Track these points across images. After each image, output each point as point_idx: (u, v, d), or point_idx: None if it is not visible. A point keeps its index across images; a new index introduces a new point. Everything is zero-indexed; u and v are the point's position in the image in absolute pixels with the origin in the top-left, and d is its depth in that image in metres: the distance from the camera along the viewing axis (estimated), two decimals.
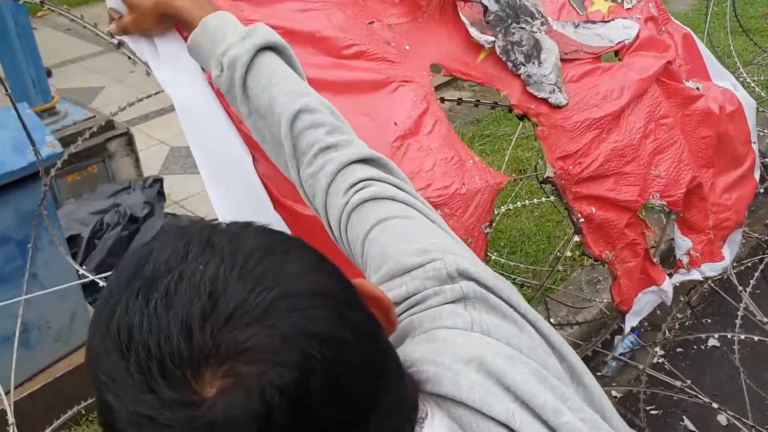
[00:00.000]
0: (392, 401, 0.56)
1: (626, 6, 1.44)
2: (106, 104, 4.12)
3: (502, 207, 2.87)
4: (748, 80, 3.21)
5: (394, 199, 0.82)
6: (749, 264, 2.57)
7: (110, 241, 2.85)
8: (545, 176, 1.29)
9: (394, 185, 0.84)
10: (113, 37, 1.14)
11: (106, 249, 2.85)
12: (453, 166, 1.16)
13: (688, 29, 1.56)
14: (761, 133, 2.61)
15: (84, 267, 2.72)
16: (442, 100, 1.29)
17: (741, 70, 3.32)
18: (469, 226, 1.15)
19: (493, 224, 2.44)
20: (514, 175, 3.54)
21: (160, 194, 3.20)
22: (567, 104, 1.28)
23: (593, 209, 1.30)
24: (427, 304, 0.68)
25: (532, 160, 3.63)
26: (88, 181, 3.15)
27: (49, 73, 4.78)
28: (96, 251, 2.83)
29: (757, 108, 3.09)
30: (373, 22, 1.21)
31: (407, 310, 0.70)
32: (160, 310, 0.49)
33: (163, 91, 1.13)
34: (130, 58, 1.15)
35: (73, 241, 2.84)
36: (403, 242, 0.75)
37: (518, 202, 2.83)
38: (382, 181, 0.84)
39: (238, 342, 0.48)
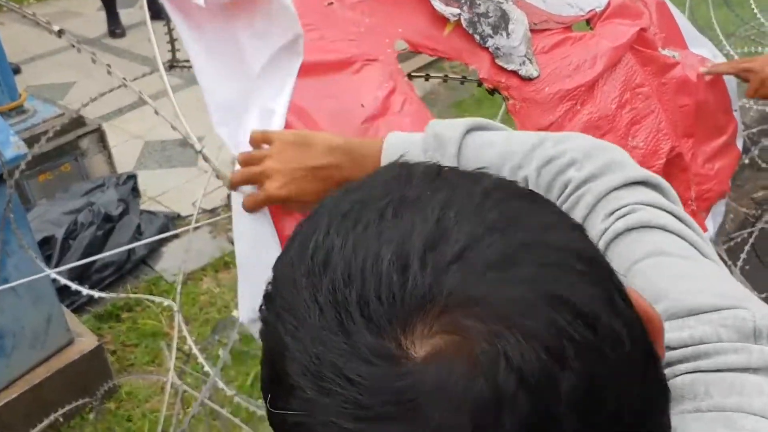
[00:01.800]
0: None
1: None
2: (78, 100, 4.02)
3: None
4: (732, 53, 3.17)
5: (665, 229, 0.64)
6: (738, 239, 2.54)
7: (85, 241, 2.80)
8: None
9: (667, 211, 0.67)
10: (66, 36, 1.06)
11: (81, 249, 2.79)
12: None
13: None
14: (747, 106, 2.57)
15: (58, 269, 2.66)
16: (410, 76, 1.24)
17: (723, 42, 3.27)
18: None
19: None
20: None
21: (135, 191, 3.15)
22: (538, 76, 1.23)
23: None
24: (720, 362, 0.49)
25: None
26: (60, 180, 3.08)
27: (17, 70, 4.68)
28: (71, 252, 2.78)
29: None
30: (332, 2, 1.16)
31: (685, 361, 0.51)
32: (371, 231, 0.39)
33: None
34: (94, 61, 1.09)
35: (47, 242, 2.78)
36: (684, 281, 0.58)
37: None
38: (652, 206, 0.67)
39: (468, 288, 0.36)
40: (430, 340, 0.35)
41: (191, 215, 3.40)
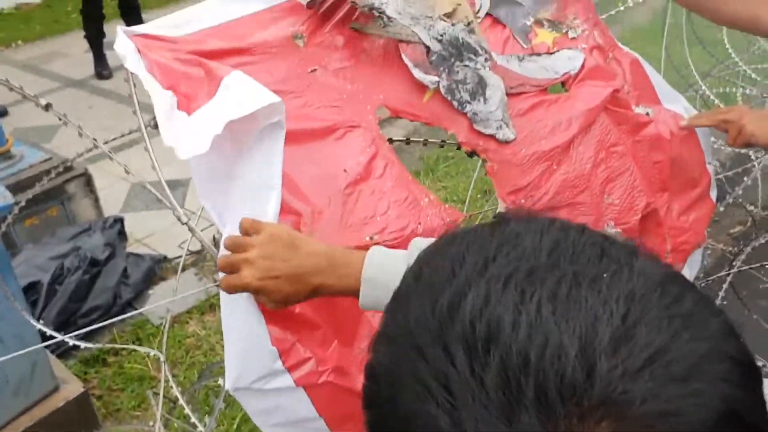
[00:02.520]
0: None
1: (571, 35, 1.43)
2: (65, 143, 4.06)
3: None
4: (707, 92, 3.23)
5: None
6: (716, 278, 2.58)
7: (71, 286, 2.80)
8: (497, 212, 1.27)
9: None
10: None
11: (67, 294, 2.79)
12: (407, 206, 1.15)
13: (636, 55, 1.56)
14: (720, 147, 2.63)
15: (43, 318, 2.66)
16: (391, 141, 1.28)
17: (700, 82, 3.35)
18: None
19: None
20: (479, 196, 3.54)
21: (122, 234, 3.16)
22: (515, 139, 1.27)
23: None
24: None
25: None
26: (46, 224, 3.08)
27: (3, 112, 4.70)
28: (56, 298, 2.78)
29: None
30: (315, 69, 1.19)
31: None
32: (546, 313, 0.36)
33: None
34: (65, 124, 1.11)
35: (32, 288, 2.78)
36: None
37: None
38: None
39: (657, 401, 0.35)
40: None
41: (178, 257, 3.41)
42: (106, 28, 5.36)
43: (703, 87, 3.33)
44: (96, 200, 3.25)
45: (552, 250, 0.40)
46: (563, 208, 1.28)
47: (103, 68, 5.39)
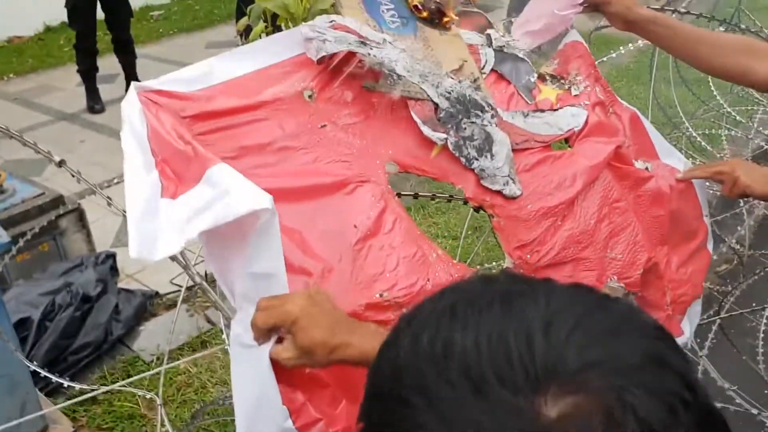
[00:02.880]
0: None
1: (574, 93, 1.47)
2: (56, 176, 4.04)
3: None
4: (694, 134, 3.30)
5: None
6: (705, 317, 2.60)
7: (62, 323, 2.78)
8: (504, 267, 1.28)
9: None
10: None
11: (58, 331, 2.77)
12: (417, 262, 1.16)
13: (635, 109, 1.60)
14: (710, 191, 2.67)
15: (33, 355, 2.62)
16: (399, 195, 1.29)
17: (686, 123, 3.41)
18: None
19: None
20: (470, 233, 3.56)
21: (114, 269, 3.14)
22: (521, 195, 1.29)
23: None
24: None
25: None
26: (38, 259, 3.06)
27: None
28: (47, 334, 2.75)
29: (701, 161, 3.18)
30: (325, 125, 1.21)
31: None
32: (486, 317, 0.45)
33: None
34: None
35: (23, 324, 2.75)
36: None
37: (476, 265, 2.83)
38: None
39: (588, 354, 0.43)
40: (562, 400, 0.41)
41: (169, 293, 3.39)
42: (100, 62, 5.38)
43: (690, 128, 3.40)
44: (88, 234, 3.24)
45: (476, 284, 0.50)
46: (568, 263, 1.30)
47: (95, 102, 5.40)
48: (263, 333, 0.95)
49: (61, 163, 1.10)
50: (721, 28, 2.45)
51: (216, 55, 1.24)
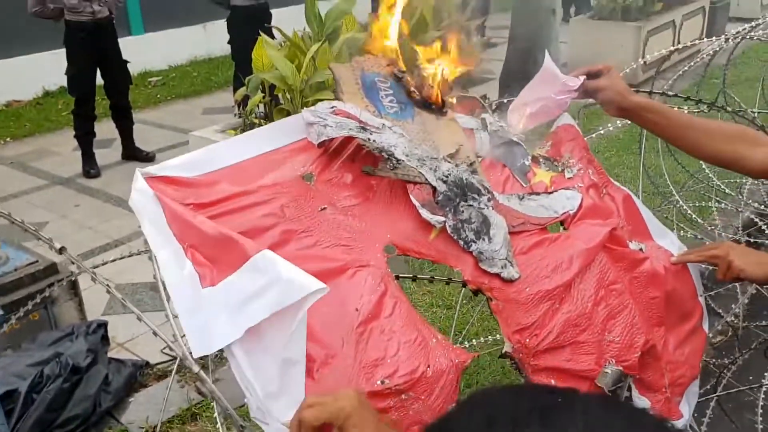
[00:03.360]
0: None
1: (567, 175, 1.49)
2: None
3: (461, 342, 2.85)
4: (684, 206, 3.34)
5: None
6: (702, 399, 2.57)
7: (50, 395, 2.72)
8: (503, 351, 1.28)
9: None
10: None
11: (45, 404, 2.71)
12: (417, 347, 1.15)
13: (628, 191, 1.62)
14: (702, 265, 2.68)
15: (18, 429, 2.56)
16: (398, 277, 1.30)
17: (676, 195, 3.46)
18: (435, 408, 1.13)
19: None
20: (464, 301, 3.54)
21: (105, 339, 3.09)
22: (519, 278, 1.30)
23: (552, 381, 1.29)
24: None
25: None
26: (28, 329, 3.02)
27: None
28: (34, 407, 2.69)
29: (694, 236, 3.21)
30: (325, 208, 1.22)
31: None
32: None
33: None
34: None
35: (9, 396, 2.69)
36: None
37: (473, 340, 2.81)
38: None
39: None
40: None
41: (160, 363, 3.34)
42: (97, 127, 5.44)
43: (680, 201, 3.44)
44: (80, 303, 3.21)
45: (504, 395, 0.57)
46: (567, 347, 1.30)
47: (91, 167, 5.43)
48: (312, 429, 0.95)
49: (61, 250, 1.10)
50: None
51: (220, 141, 1.27)
